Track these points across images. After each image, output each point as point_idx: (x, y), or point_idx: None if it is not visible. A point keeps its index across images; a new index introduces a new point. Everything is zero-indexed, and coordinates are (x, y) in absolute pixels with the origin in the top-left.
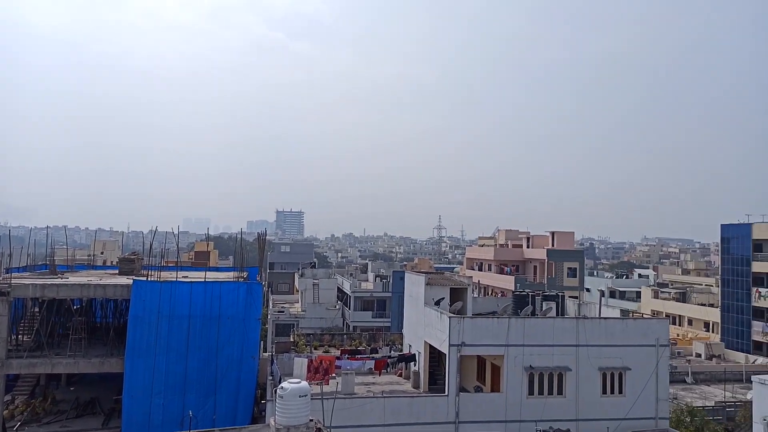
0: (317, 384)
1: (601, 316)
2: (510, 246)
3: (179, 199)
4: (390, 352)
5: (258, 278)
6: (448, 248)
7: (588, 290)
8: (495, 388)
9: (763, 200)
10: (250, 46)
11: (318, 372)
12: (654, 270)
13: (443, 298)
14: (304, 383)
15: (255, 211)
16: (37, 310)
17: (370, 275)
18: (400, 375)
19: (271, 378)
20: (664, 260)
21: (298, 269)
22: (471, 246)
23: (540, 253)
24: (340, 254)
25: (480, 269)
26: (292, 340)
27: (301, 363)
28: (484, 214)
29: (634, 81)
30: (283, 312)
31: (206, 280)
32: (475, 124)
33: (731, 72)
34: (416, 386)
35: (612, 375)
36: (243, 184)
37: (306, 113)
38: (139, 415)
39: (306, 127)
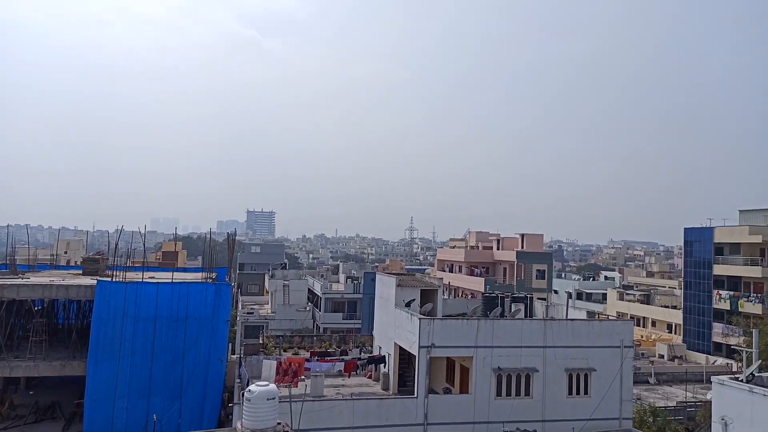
0: (286, 386)
1: (568, 317)
2: (480, 248)
3: (147, 198)
4: (360, 353)
5: (227, 279)
6: (419, 249)
7: (556, 292)
8: (464, 389)
9: (726, 205)
10: (222, 43)
11: (287, 374)
12: (620, 272)
13: (414, 300)
14: (273, 386)
15: (225, 211)
16: None
17: (342, 276)
18: (370, 377)
19: (238, 380)
20: (629, 263)
21: (269, 270)
22: (442, 248)
23: (510, 255)
24: (311, 255)
25: (451, 271)
26: (261, 342)
27: (269, 365)
28: (455, 215)
29: (605, 85)
30: (252, 313)
31: (173, 280)
32: (449, 126)
33: (699, 78)
34: (386, 388)
35: (578, 376)
36: (213, 184)
37: (279, 111)
38: (102, 420)
39: (278, 126)
